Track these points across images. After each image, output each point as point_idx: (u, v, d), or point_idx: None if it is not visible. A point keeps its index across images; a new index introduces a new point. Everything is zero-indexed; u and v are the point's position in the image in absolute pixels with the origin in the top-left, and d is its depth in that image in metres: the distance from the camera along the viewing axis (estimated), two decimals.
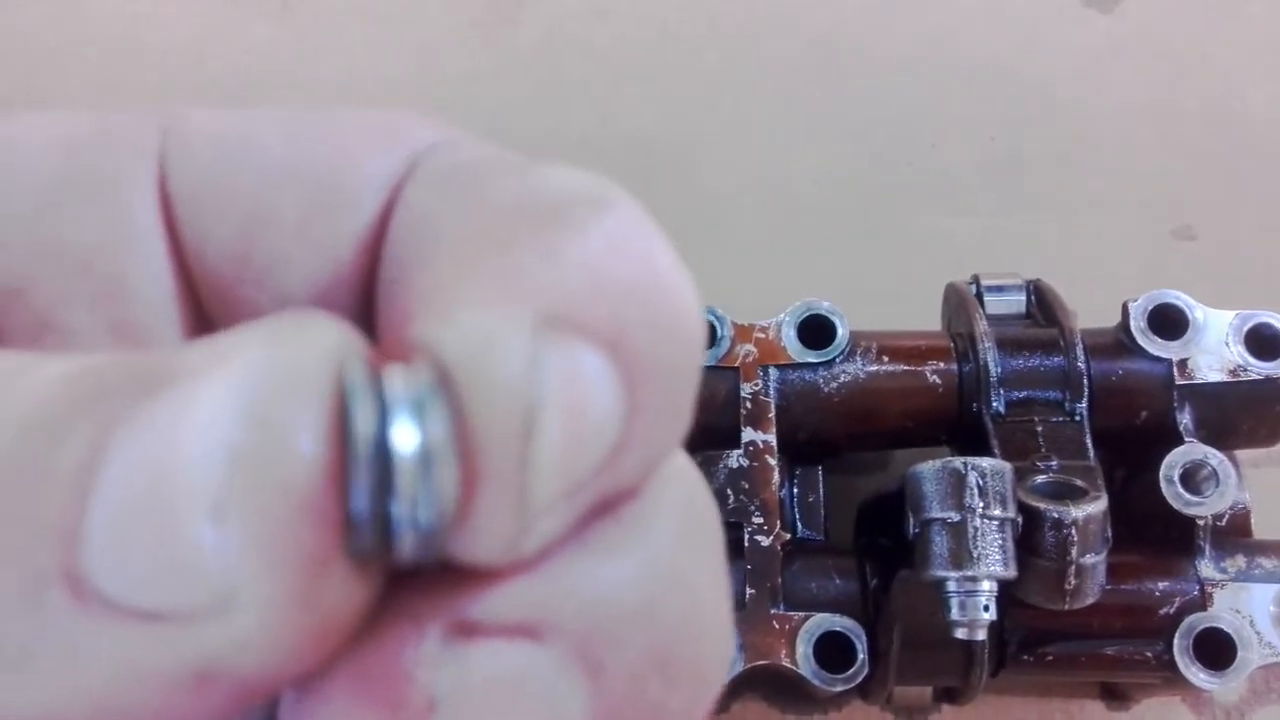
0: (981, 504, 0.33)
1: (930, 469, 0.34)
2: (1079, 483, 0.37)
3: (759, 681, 0.44)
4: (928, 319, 0.48)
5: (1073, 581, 0.35)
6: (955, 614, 0.33)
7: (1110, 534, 0.36)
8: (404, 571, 0.12)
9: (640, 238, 0.13)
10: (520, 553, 0.12)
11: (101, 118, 0.17)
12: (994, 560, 0.33)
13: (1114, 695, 0.47)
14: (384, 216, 0.16)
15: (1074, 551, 0.34)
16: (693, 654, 0.13)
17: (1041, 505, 0.34)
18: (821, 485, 0.42)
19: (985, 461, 0.34)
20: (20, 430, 0.11)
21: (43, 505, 0.11)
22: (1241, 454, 0.43)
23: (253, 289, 0.16)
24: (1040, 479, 0.37)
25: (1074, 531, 0.34)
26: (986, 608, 0.33)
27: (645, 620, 0.13)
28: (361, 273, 0.16)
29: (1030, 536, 0.34)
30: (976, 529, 0.33)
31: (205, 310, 0.17)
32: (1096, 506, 0.35)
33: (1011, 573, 0.33)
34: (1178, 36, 0.57)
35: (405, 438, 0.12)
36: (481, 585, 0.12)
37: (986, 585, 0.33)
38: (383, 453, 0.12)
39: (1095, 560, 0.35)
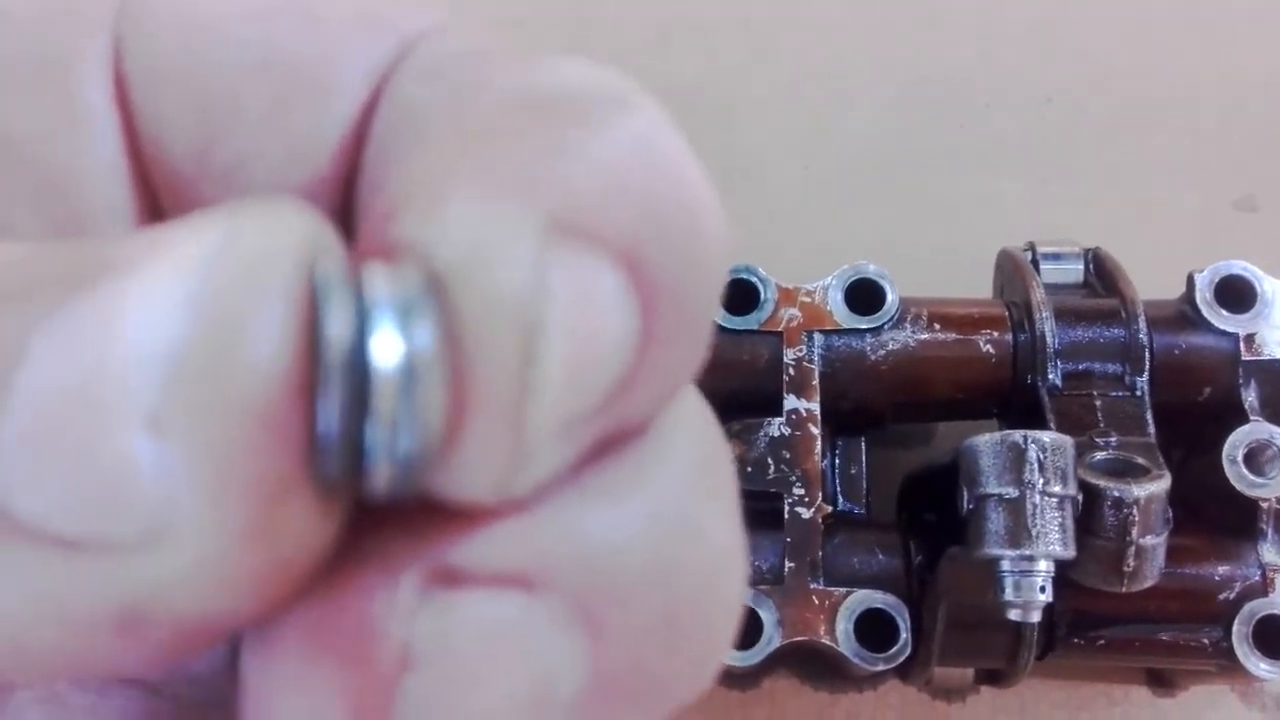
0: (1041, 480, 0.32)
1: (988, 442, 0.32)
2: (1140, 460, 0.35)
3: (792, 657, 0.42)
4: (977, 286, 0.46)
5: (1132, 563, 0.33)
6: (1009, 594, 0.32)
7: (1171, 515, 0.34)
8: (375, 508, 0.11)
9: (666, 142, 0.11)
10: (513, 491, 0.11)
11: None
12: (1053, 539, 0.31)
13: (1160, 681, 0.45)
14: (367, 112, 0.14)
15: (1134, 532, 0.33)
16: (702, 614, 0.12)
17: (1101, 483, 0.33)
18: (864, 457, 0.40)
19: (1046, 435, 0.32)
20: None
21: None
22: None
23: (216, 189, 0.14)
24: (1099, 456, 0.35)
25: (1135, 511, 0.32)
26: (1043, 589, 0.32)
27: (652, 573, 0.11)
28: (340, 177, 0.14)
29: (1088, 515, 0.33)
30: (1035, 506, 0.31)
31: (163, 213, 0.15)
32: (1159, 485, 0.33)
33: (1070, 552, 0.32)
34: (1241, 1, 0.55)
35: (387, 348, 0.10)
36: (466, 527, 0.11)
37: (1044, 565, 0.32)
38: (359, 364, 0.10)
39: (1155, 541, 0.33)
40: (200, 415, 0.09)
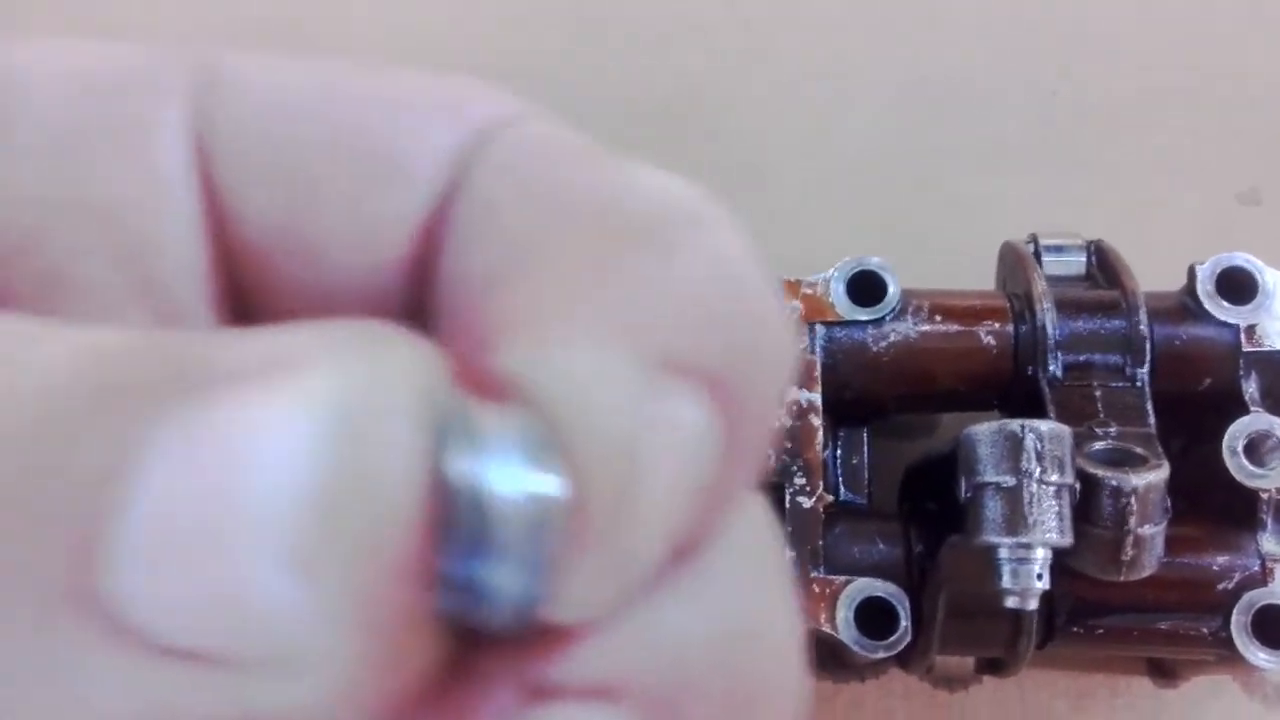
0: (1039, 468, 0.32)
1: (986, 431, 0.33)
2: (1139, 450, 0.35)
3: None
4: (980, 282, 0.46)
5: (1130, 552, 0.33)
6: (1007, 582, 0.32)
7: (1170, 504, 0.34)
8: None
9: (741, 262, 0.12)
10: (607, 613, 0.11)
11: (127, 51, 0.15)
12: (1050, 527, 0.32)
13: (1161, 672, 0.45)
14: (445, 199, 0.14)
15: (1132, 521, 0.33)
16: (769, 703, 0.12)
17: (1100, 472, 0.33)
18: (866, 448, 0.41)
19: (1043, 424, 0.32)
20: (27, 419, 0.10)
21: (52, 514, 0.09)
22: None
23: (294, 264, 0.14)
24: (1098, 445, 0.35)
25: (1133, 500, 0.33)
26: (1040, 576, 0.32)
27: (722, 670, 0.12)
28: (413, 260, 0.14)
29: (1087, 504, 0.33)
30: (1033, 494, 0.32)
31: (239, 281, 0.15)
32: (1157, 475, 0.33)
33: (1067, 540, 0.32)
34: None
35: (510, 492, 0.10)
36: (558, 644, 0.11)
37: (1041, 553, 0.32)
38: (481, 505, 0.10)
39: (1154, 531, 0.34)
40: (336, 555, 0.09)
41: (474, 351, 0.11)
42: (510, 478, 0.10)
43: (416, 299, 0.15)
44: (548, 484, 0.10)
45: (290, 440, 0.09)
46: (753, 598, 0.12)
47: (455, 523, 0.10)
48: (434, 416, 0.10)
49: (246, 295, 0.15)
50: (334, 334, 0.10)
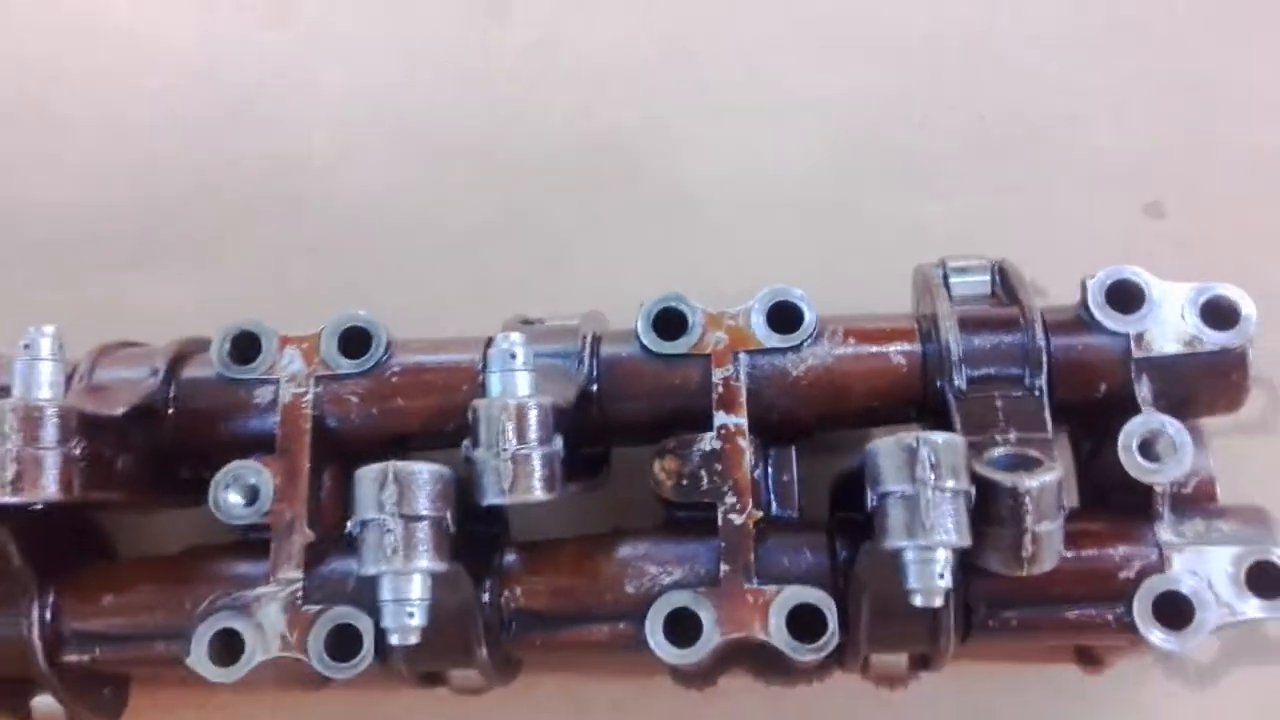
0: (934, 476, 0.35)
1: (885, 445, 0.36)
2: (1034, 454, 0.38)
3: (745, 655, 0.45)
4: (904, 301, 0.49)
5: (1029, 548, 0.36)
6: (912, 582, 0.35)
7: (1065, 503, 0.37)
8: None
9: None
10: None
11: None
12: (948, 529, 0.35)
13: (1088, 659, 0.48)
14: None
15: (1028, 520, 0.36)
16: None
17: (995, 476, 0.36)
18: (795, 465, 0.44)
19: (938, 436, 0.35)
20: None
21: None
22: (1210, 425, 0.44)
23: None
24: (998, 452, 0.38)
25: (1028, 500, 0.36)
26: (942, 575, 0.35)
27: None
28: None
29: (987, 506, 0.36)
30: (929, 500, 0.35)
31: None
32: (1050, 476, 0.36)
33: (965, 541, 0.35)
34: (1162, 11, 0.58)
35: None
36: None
37: (941, 554, 0.35)
38: None
39: (1051, 527, 0.36)
40: None
41: None
42: None
43: None
44: None
45: None
46: None
47: None
48: None
49: None
50: None
